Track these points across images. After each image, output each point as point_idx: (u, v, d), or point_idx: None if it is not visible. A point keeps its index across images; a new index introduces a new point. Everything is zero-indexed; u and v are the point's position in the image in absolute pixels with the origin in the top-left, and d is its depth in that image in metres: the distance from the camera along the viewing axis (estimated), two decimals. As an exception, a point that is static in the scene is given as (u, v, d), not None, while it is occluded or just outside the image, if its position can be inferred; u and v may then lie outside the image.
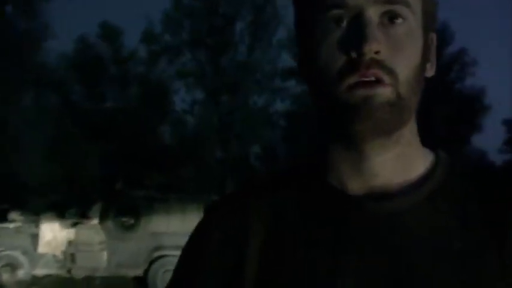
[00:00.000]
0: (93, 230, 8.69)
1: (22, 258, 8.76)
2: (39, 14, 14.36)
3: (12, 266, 8.72)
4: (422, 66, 0.62)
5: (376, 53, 0.57)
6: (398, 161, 0.63)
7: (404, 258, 0.59)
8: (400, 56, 0.59)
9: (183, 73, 22.15)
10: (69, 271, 8.83)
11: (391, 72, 0.58)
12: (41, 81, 16.09)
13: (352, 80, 0.58)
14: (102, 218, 8.74)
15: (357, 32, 0.58)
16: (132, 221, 8.76)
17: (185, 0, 22.09)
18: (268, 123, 24.56)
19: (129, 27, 38.41)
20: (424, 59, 0.62)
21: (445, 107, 22.96)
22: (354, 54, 0.57)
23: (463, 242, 0.60)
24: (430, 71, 0.65)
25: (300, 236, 0.63)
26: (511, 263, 0.59)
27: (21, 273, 8.72)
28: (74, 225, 8.90)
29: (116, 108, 21.09)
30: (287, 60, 23.10)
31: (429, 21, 0.64)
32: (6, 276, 8.68)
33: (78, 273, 8.73)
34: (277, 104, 24.32)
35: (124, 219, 8.78)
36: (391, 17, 0.59)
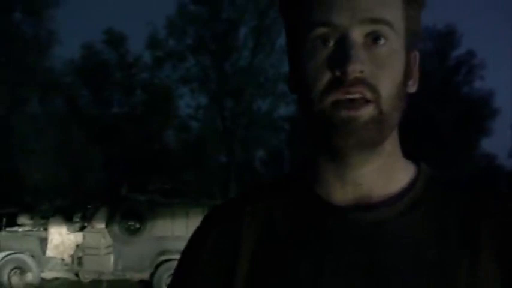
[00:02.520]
0: (99, 234, 8.77)
1: (31, 262, 8.85)
2: (46, 21, 14.55)
3: (22, 269, 8.82)
4: (404, 84, 0.64)
5: (360, 72, 0.59)
6: (381, 173, 0.66)
7: (382, 264, 0.62)
8: (382, 75, 0.61)
9: (187, 78, 22.28)
10: (76, 274, 8.93)
11: (373, 89, 0.61)
12: (47, 87, 16.26)
13: (336, 96, 0.60)
14: (108, 222, 8.84)
15: (342, 52, 0.60)
16: (137, 225, 8.84)
17: (189, 6, 22.24)
18: (273, 127, 24.58)
19: (134, 33, 38.65)
20: (406, 76, 0.65)
21: (453, 111, 22.64)
22: (338, 73, 0.60)
23: (438, 251, 0.62)
24: (413, 88, 0.67)
25: (287, 242, 0.66)
26: (484, 274, 0.61)
27: (30, 276, 8.82)
28: (81, 229, 9.00)
29: (121, 114, 21.23)
30: (290, 64, 23.15)
31: (412, 39, 0.66)
32: (15, 279, 8.78)
33: (86, 276, 8.83)
34: (282, 109, 24.41)
35: (130, 223, 8.88)
36: (374, 38, 0.61)
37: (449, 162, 19.34)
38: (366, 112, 0.60)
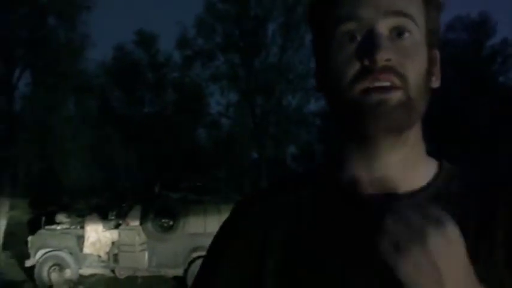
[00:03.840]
0: (134, 232, 8.92)
1: (69, 259, 9.07)
2: (79, 25, 14.89)
3: (60, 266, 9.06)
4: (428, 76, 0.67)
5: (387, 60, 0.62)
6: (405, 164, 0.68)
7: None
8: (408, 63, 0.64)
9: (216, 76, 22.39)
10: (112, 271, 9.11)
11: (401, 76, 0.63)
12: (81, 89, 16.65)
13: (366, 83, 0.63)
14: (143, 220, 8.97)
15: (369, 42, 0.63)
16: (170, 223, 8.95)
17: (217, 4, 22.31)
18: (303, 123, 24.46)
19: (164, 33, 39.15)
20: (429, 70, 0.68)
21: (488, 102, 22.03)
22: (367, 62, 0.62)
23: None
24: (436, 83, 0.70)
25: (314, 234, 0.68)
26: (501, 270, 0.63)
27: (68, 273, 9.05)
28: (116, 227, 9.18)
29: (153, 113, 21.53)
30: (320, 60, 22.93)
31: (433, 38, 0.69)
32: (55, 276, 9.03)
33: (121, 273, 9.00)
34: (312, 104, 24.27)
35: (163, 220, 9.00)
36: (399, 33, 0.64)
37: (488, 152, 18.85)
38: (396, 96, 0.63)
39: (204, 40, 22.44)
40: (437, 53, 0.71)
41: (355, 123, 0.65)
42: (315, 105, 24.51)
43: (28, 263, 9.11)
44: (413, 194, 0.67)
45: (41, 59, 14.06)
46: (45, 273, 8.98)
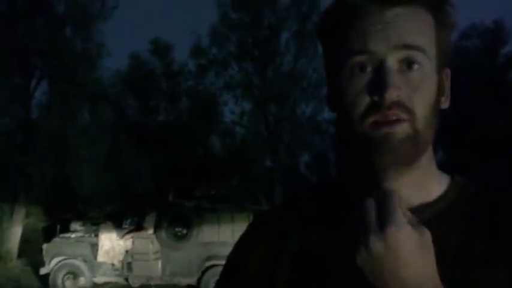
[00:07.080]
0: (148, 240, 8.93)
1: (83, 267, 9.11)
2: (95, 34, 15.04)
3: (75, 274, 9.09)
4: (437, 102, 0.69)
5: (397, 96, 0.65)
6: (415, 185, 0.69)
7: None
8: (417, 97, 0.66)
9: (230, 85, 22.44)
10: (126, 279, 9.12)
11: (409, 111, 0.65)
12: (97, 97, 16.79)
13: (375, 117, 0.66)
14: (156, 229, 8.97)
15: (379, 79, 0.65)
16: (184, 231, 8.94)
17: (231, 13, 22.41)
18: (317, 131, 24.40)
19: (179, 42, 39.36)
20: (439, 95, 0.70)
21: (504, 109, 21.85)
22: (376, 98, 0.65)
23: (459, 267, 0.65)
24: (445, 103, 0.72)
25: (323, 247, 0.72)
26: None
27: (82, 281, 9.08)
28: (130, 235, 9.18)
29: (167, 121, 21.61)
30: (334, 68, 22.82)
31: (443, 59, 0.70)
32: (68, 284, 9.06)
33: (135, 281, 9.00)
34: (325, 112, 24.16)
35: (177, 229, 8.99)
36: (408, 64, 0.66)
37: (503, 162, 18.64)
38: (402, 130, 0.65)
39: (218, 49, 22.53)
40: (448, 72, 0.72)
41: (364, 156, 0.67)
42: (329, 113, 24.27)
43: (43, 271, 9.17)
44: (420, 210, 0.68)
45: (58, 68, 14.23)
46: (59, 281, 9.02)
